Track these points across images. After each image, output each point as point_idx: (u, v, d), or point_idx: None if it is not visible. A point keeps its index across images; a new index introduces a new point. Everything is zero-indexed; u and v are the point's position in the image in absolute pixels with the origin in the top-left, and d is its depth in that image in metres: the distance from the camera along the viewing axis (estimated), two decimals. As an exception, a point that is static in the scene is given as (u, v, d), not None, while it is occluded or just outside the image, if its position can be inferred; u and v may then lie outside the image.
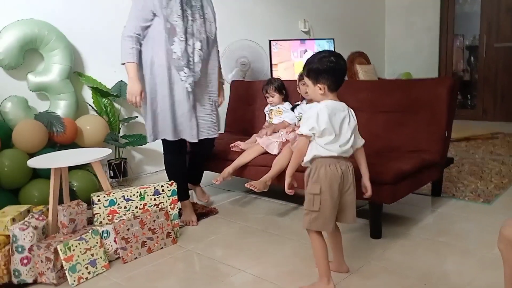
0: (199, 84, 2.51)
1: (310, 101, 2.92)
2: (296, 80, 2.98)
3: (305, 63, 1.81)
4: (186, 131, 2.54)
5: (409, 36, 6.38)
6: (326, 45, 5.14)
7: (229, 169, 2.82)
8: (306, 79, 1.83)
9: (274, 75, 4.48)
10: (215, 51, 2.61)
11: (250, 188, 2.59)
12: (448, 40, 5.90)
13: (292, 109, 3.04)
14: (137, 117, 3.83)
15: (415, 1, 6.24)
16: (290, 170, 1.86)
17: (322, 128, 1.72)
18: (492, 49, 5.52)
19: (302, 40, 5.04)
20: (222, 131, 3.76)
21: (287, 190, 1.92)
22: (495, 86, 5.57)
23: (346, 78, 1.86)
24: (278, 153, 2.72)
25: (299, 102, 3.01)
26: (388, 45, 6.67)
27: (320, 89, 1.76)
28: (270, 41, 4.61)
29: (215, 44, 2.62)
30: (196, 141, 2.56)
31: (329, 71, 1.74)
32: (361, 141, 1.88)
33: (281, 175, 2.58)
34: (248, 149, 2.87)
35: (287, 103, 3.19)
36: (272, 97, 3.15)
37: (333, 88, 1.78)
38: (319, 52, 1.83)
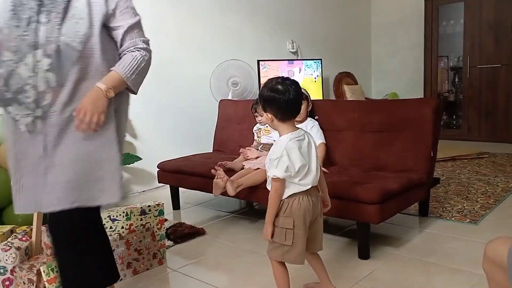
0: (54, 124, 1.51)
1: (299, 121, 2.93)
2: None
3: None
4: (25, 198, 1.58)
5: (395, 56, 6.53)
6: (313, 65, 5.22)
7: (236, 184, 2.59)
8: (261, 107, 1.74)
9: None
10: (96, 61, 1.53)
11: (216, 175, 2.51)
12: (433, 61, 6.02)
13: None
14: (124, 136, 3.80)
15: (399, 21, 6.40)
16: (271, 218, 1.69)
17: (298, 167, 1.63)
18: (476, 70, 5.64)
19: (290, 60, 5.11)
20: (210, 150, 3.77)
21: (267, 238, 1.71)
22: (480, 106, 5.68)
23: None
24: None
25: None
26: (374, 65, 6.80)
27: (270, 119, 1.67)
28: (258, 61, 4.66)
29: (95, 52, 1.53)
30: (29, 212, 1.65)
31: (273, 100, 1.64)
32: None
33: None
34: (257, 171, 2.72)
35: (276, 122, 3.19)
36: (261, 116, 3.16)
37: (281, 119, 1.66)
38: (273, 78, 1.71)
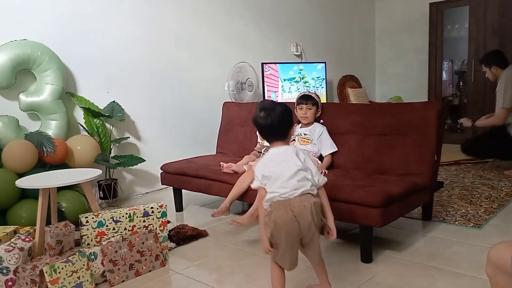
0: None
1: (305, 124, 2.95)
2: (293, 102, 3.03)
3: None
4: None
5: (399, 60, 6.52)
6: (317, 68, 5.22)
7: (226, 203, 2.73)
8: None
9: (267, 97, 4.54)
10: None
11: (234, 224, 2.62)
12: (437, 65, 6.01)
13: None
14: (128, 137, 3.83)
15: (404, 26, 6.39)
16: (261, 225, 1.78)
17: (260, 175, 1.76)
18: (480, 74, 5.61)
19: (294, 63, 5.11)
20: (213, 152, 3.78)
21: (267, 251, 1.77)
22: (484, 110, 5.64)
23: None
24: None
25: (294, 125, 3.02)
26: (378, 69, 6.79)
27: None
28: (262, 63, 4.67)
29: None
30: None
31: (256, 123, 1.81)
32: (322, 180, 1.79)
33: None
34: (241, 177, 2.79)
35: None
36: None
37: (264, 137, 1.82)
38: (263, 101, 1.92)
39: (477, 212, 2.98)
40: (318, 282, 1.96)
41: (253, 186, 1.83)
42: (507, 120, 3.99)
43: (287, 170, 1.73)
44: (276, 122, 1.76)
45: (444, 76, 6.07)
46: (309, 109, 2.91)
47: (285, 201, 1.70)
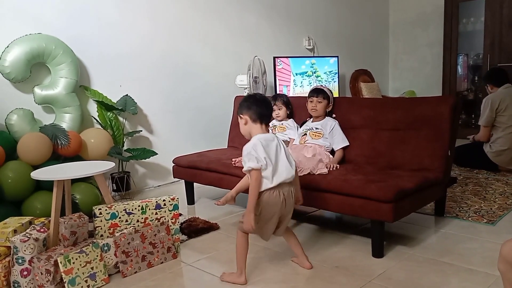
0: None
1: (315, 118, 2.94)
2: (305, 96, 3.03)
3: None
4: None
5: (413, 54, 6.44)
6: (329, 62, 5.18)
7: (232, 193, 2.62)
8: (239, 118, 2.06)
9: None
10: None
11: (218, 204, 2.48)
12: (452, 59, 5.92)
13: (301, 126, 3.07)
14: (141, 131, 3.86)
15: (419, 19, 6.31)
16: (252, 206, 1.92)
17: (263, 157, 1.90)
18: (496, 69, 5.53)
19: (306, 57, 5.09)
20: (225, 146, 3.79)
21: (251, 226, 1.94)
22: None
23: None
24: None
25: (307, 119, 3.03)
26: (392, 63, 6.72)
27: (244, 121, 2.01)
28: (274, 57, 4.66)
29: None
30: None
31: (248, 104, 2.01)
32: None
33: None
34: None
35: (291, 120, 3.21)
36: (280, 109, 3.18)
37: (255, 119, 1.99)
38: (257, 94, 2.16)
39: (491, 208, 2.95)
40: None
41: (252, 166, 1.89)
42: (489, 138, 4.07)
43: (282, 157, 1.97)
44: (266, 102, 2.07)
45: (459, 70, 5.98)
46: (319, 102, 2.90)
47: (277, 186, 1.93)
